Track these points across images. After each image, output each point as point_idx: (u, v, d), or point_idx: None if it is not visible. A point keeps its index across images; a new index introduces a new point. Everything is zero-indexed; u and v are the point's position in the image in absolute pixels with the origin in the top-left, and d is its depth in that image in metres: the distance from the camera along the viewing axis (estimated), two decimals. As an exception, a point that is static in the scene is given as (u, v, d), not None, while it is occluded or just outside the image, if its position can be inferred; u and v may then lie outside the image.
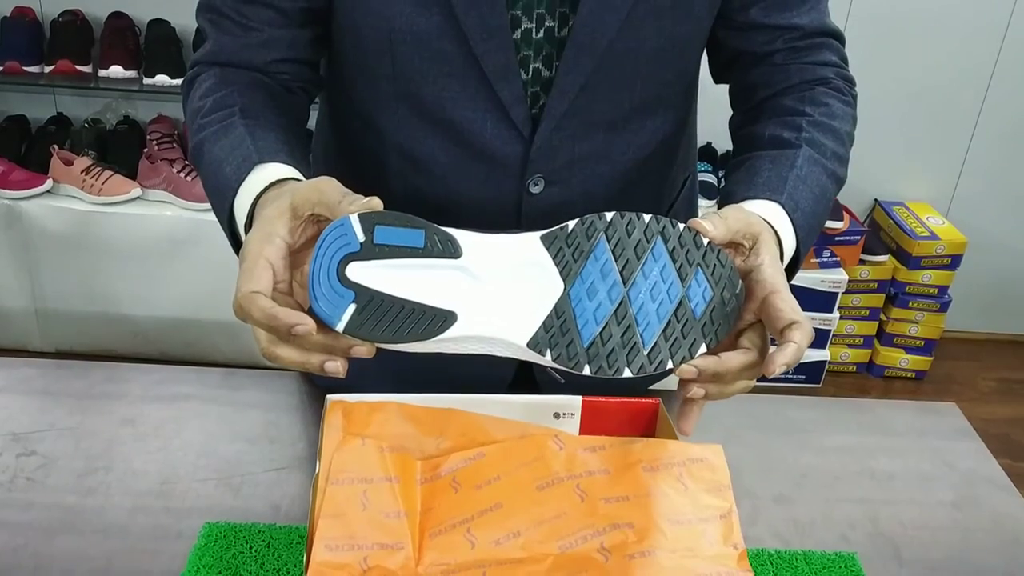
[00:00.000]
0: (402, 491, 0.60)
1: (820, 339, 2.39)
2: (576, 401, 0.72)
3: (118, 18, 2.24)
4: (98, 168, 2.16)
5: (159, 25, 2.24)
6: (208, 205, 2.13)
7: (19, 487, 0.81)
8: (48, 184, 2.17)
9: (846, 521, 0.84)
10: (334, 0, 0.77)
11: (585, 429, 0.72)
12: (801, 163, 0.75)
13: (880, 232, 2.49)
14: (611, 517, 0.59)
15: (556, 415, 0.72)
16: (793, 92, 0.82)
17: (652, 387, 1.02)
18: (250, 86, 0.78)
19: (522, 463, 0.62)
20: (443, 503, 0.61)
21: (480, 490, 0.61)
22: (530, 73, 0.77)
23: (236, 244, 0.69)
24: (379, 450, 0.61)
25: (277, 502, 0.81)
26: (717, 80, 0.89)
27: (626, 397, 0.73)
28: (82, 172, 2.15)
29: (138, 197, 2.18)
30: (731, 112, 0.88)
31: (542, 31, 0.75)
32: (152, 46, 2.22)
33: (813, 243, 0.77)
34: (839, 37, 0.85)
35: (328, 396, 0.69)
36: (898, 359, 2.50)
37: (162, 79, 2.18)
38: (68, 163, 2.17)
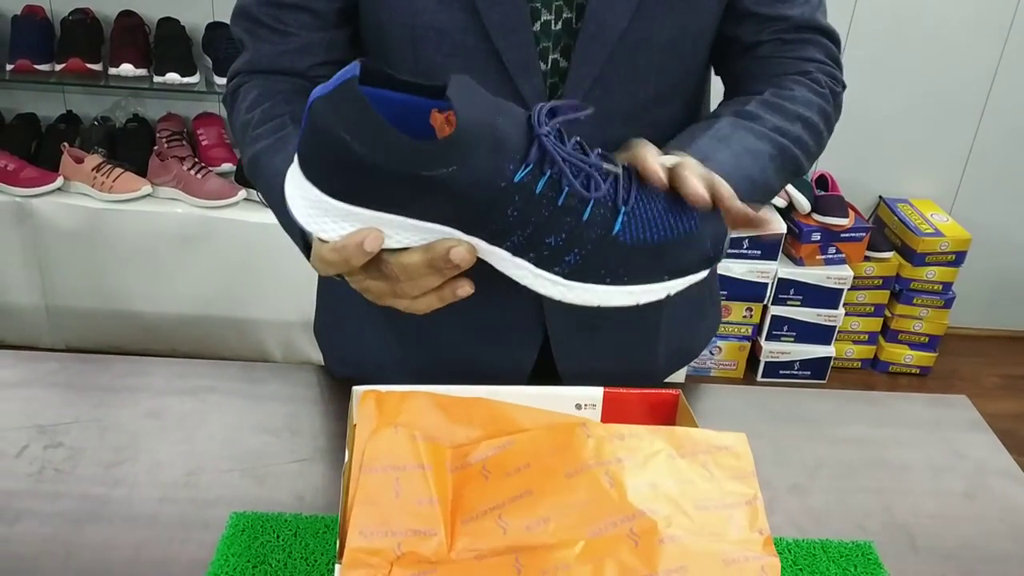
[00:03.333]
0: (434, 478, 0.61)
1: (825, 335, 2.41)
2: (597, 393, 0.73)
3: (128, 16, 2.25)
4: (108, 165, 2.17)
5: (169, 23, 2.25)
6: (218, 202, 2.17)
7: (47, 478, 0.82)
8: (59, 182, 2.17)
9: (861, 510, 0.85)
10: None
11: (606, 420, 0.73)
12: (721, 126, 0.74)
13: (885, 229, 2.51)
14: (639, 504, 0.60)
15: (578, 406, 0.73)
16: (768, 82, 0.81)
17: (668, 380, 1.04)
18: (294, 93, 0.79)
19: (551, 451, 0.63)
20: (474, 490, 0.62)
21: (510, 477, 0.62)
22: (549, 64, 0.78)
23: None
24: (411, 438, 0.62)
25: (301, 492, 0.82)
26: (715, 71, 0.90)
27: (647, 388, 0.75)
28: (92, 170, 2.16)
29: (148, 194, 2.19)
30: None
31: (560, 22, 0.77)
32: (162, 44, 2.23)
33: (758, 202, 0.75)
34: (831, 36, 0.84)
35: (355, 388, 0.70)
36: (903, 355, 2.51)
37: (172, 77, 2.19)
38: (78, 161, 2.18)
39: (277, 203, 0.72)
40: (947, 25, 2.35)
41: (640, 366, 0.95)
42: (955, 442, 0.96)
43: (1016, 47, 2.38)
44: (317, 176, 0.58)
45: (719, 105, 0.82)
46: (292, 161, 0.60)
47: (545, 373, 0.92)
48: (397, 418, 0.64)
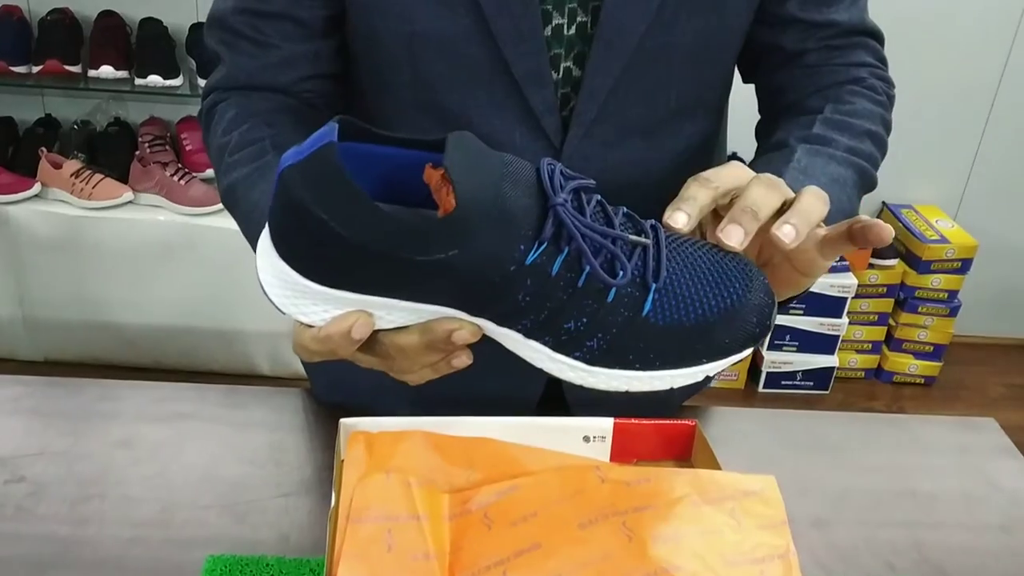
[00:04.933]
0: (430, 530, 0.55)
1: (828, 345, 2.36)
2: (607, 424, 0.67)
3: (108, 17, 2.18)
4: (88, 171, 2.11)
5: (151, 24, 2.18)
6: (203, 209, 2.10)
7: (7, 517, 0.76)
8: (36, 188, 2.11)
9: (890, 546, 0.79)
10: (347, 1, 0.72)
11: (617, 453, 0.68)
12: (799, 156, 0.68)
13: (888, 235, 2.46)
14: (662, 559, 0.53)
15: (586, 439, 0.68)
16: (820, 93, 0.76)
17: (686, 404, 0.97)
18: (276, 112, 0.72)
19: (561, 497, 0.57)
20: (475, 542, 0.56)
21: (516, 527, 0.56)
22: (560, 73, 0.72)
23: None
24: (405, 485, 0.56)
25: (286, 532, 0.76)
26: (744, 79, 0.84)
27: (660, 419, 0.69)
28: (71, 175, 2.09)
29: (130, 201, 2.12)
30: (757, 117, 0.83)
31: (574, 27, 0.70)
32: (144, 46, 2.16)
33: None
34: (878, 36, 0.79)
35: (342, 420, 0.64)
36: (907, 365, 2.46)
37: (154, 79, 2.12)
38: (57, 166, 2.12)
39: (255, 238, 0.65)
40: (952, 29, 2.31)
41: (654, 393, 0.89)
42: (986, 469, 0.90)
43: (1023, 50, 2.34)
44: (292, 256, 0.50)
45: (779, 129, 0.75)
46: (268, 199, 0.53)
47: (555, 403, 0.85)
48: (389, 462, 0.58)
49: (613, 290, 0.50)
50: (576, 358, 0.52)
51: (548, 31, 0.70)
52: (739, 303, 0.53)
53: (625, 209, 0.54)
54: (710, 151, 0.83)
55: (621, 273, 0.50)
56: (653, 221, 0.54)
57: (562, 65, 0.71)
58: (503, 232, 0.48)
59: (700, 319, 0.52)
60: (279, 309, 0.52)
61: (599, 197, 0.53)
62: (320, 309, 0.51)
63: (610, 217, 0.52)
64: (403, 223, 0.47)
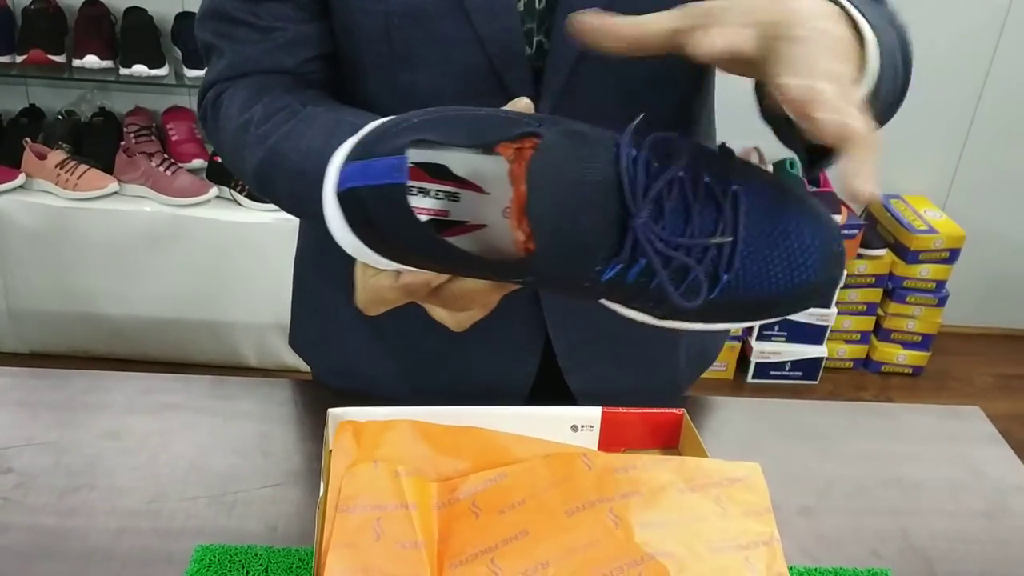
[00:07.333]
0: (419, 518, 0.55)
1: (817, 335, 2.37)
2: (595, 413, 0.67)
3: (93, 5, 2.16)
4: (73, 162, 2.09)
5: (136, 13, 2.16)
6: (189, 200, 2.09)
7: (-6, 508, 0.76)
8: (21, 179, 2.09)
9: (876, 534, 0.80)
10: None
11: (605, 442, 0.68)
12: None
13: (877, 225, 2.47)
14: (648, 545, 0.54)
15: (574, 427, 0.68)
16: None
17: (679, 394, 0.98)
18: (292, 85, 0.71)
19: (549, 485, 0.57)
20: (463, 530, 0.56)
21: (503, 515, 0.56)
22: (534, 47, 0.71)
23: None
24: (393, 474, 0.56)
25: (273, 522, 0.76)
26: None
27: (648, 408, 0.69)
28: (56, 166, 2.08)
29: (115, 192, 2.11)
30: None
31: (544, 1, 0.70)
32: (129, 35, 2.14)
33: (894, 65, 0.58)
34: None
35: (330, 410, 0.64)
36: (895, 355, 2.47)
37: (139, 69, 2.10)
38: (42, 157, 2.10)
39: (315, 183, 0.58)
40: (941, 17, 2.31)
41: (660, 376, 0.89)
42: (971, 457, 0.91)
43: (1010, 40, 2.35)
44: (368, 244, 0.50)
45: None
46: (324, 139, 0.51)
47: (556, 391, 0.85)
48: (377, 451, 0.58)
49: (684, 284, 0.50)
50: (646, 313, 0.52)
51: (520, 5, 0.69)
52: (806, 284, 0.51)
53: (708, 180, 0.49)
54: (695, 118, 0.81)
55: (695, 300, 0.49)
56: (735, 187, 0.50)
57: (535, 39, 0.71)
58: (579, 261, 0.48)
59: (767, 295, 0.51)
60: (350, 253, 0.52)
61: (681, 174, 0.48)
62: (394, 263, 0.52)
63: (689, 210, 0.49)
64: (478, 261, 0.49)
